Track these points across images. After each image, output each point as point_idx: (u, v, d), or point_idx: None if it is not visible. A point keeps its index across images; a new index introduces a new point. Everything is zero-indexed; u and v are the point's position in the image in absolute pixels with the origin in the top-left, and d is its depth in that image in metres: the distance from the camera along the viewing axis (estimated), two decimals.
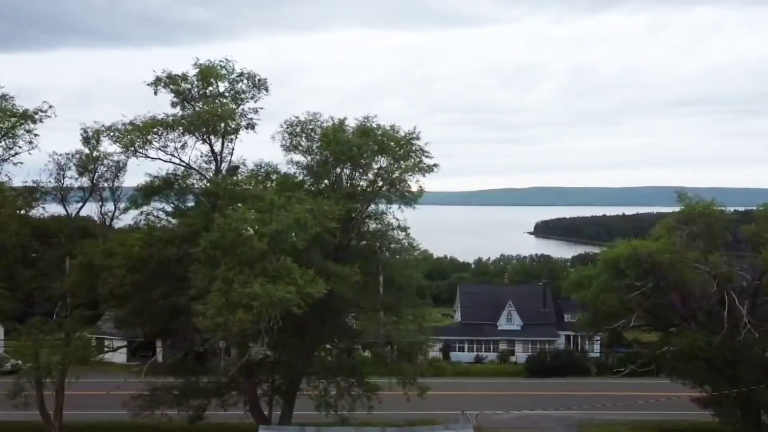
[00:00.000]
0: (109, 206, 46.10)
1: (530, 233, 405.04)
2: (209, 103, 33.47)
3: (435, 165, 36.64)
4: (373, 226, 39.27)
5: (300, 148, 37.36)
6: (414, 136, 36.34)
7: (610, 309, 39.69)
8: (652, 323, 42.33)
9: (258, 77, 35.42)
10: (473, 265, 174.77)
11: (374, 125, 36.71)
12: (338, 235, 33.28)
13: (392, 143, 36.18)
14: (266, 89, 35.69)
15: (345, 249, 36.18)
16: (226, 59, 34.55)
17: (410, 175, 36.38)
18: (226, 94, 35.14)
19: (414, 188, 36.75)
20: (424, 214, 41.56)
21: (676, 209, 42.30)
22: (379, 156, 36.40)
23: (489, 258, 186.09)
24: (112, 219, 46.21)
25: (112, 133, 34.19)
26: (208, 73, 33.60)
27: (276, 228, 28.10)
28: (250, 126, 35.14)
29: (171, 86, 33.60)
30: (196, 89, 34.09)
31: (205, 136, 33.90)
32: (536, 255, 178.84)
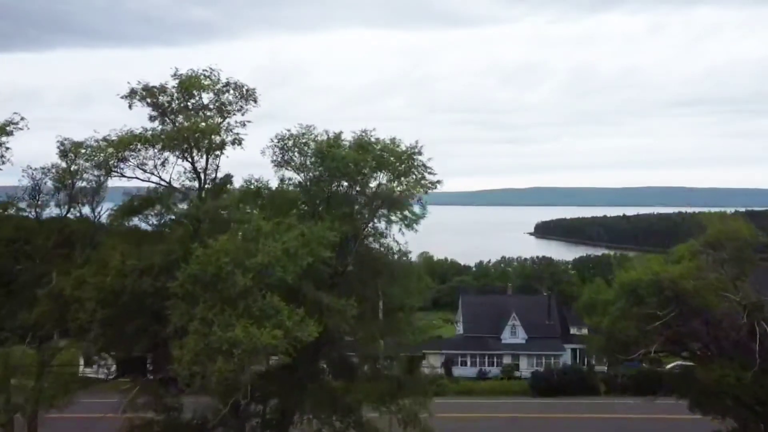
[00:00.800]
0: None
1: (530, 234, 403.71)
2: (190, 117, 30.42)
3: (438, 181, 33.95)
4: (372, 246, 36.48)
5: (292, 164, 34.47)
6: (416, 150, 33.53)
7: (628, 338, 36.72)
8: (672, 351, 39.36)
9: (246, 87, 32.41)
10: (474, 268, 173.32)
11: (372, 139, 33.84)
12: (333, 263, 30.27)
13: (392, 158, 33.36)
14: (254, 100, 32.69)
15: (341, 275, 33.26)
16: (211, 68, 31.54)
17: (411, 194, 33.62)
18: (211, 106, 32.20)
19: (416, 208, 34.05)
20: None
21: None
22: (378, 172, 33.57)
23: (490, 261, 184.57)
24: (92, 237, 43.45)
25: (84, 150, 31.26)
26: (189, 85, 30.55)
27: (262, 261, 25.04)
28: (237, 141, 32.08)
29: (148, 99, 30.54)
30: (176, 102, 31.03)
31: (186, 153, 30.89)
32: (537, 257, 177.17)
